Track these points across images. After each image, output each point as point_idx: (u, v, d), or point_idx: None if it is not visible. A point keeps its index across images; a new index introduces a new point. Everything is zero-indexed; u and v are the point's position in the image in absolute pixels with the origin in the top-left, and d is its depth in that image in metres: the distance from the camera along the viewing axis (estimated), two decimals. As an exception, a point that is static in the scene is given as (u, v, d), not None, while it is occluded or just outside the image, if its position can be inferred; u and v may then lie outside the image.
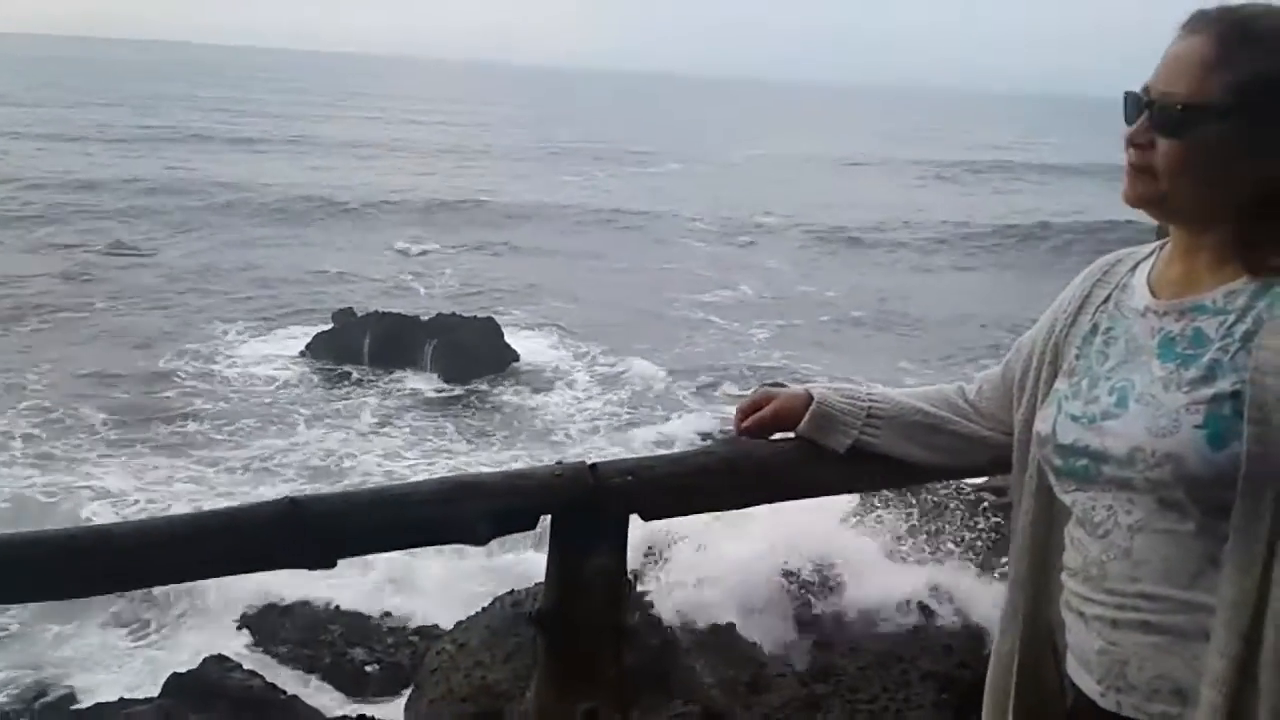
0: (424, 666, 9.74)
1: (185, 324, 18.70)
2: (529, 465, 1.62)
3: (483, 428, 14.75)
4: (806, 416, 1.80)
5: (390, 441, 14.09)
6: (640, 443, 14.35)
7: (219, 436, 13.81)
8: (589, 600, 1.54)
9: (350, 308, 17.73)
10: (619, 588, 1.57)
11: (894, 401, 1.89)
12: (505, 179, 38.96)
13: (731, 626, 9.58)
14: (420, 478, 1.56)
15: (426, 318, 17.23)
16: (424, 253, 25.92)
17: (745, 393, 1.92)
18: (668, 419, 15.69)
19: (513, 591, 10.02)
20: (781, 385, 1.84)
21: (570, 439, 14.57)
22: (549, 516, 1.54)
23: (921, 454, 1.87)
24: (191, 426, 14.04)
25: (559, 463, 1.60)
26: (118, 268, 22.63)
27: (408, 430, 14.49)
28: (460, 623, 10.14)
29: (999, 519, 8.87)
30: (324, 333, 16.93)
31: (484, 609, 10.03)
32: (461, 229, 28.09)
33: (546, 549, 1.58)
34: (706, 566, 10.36)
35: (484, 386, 16.03)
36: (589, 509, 1.52)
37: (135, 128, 48.07)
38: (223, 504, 10.96)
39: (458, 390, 15.81)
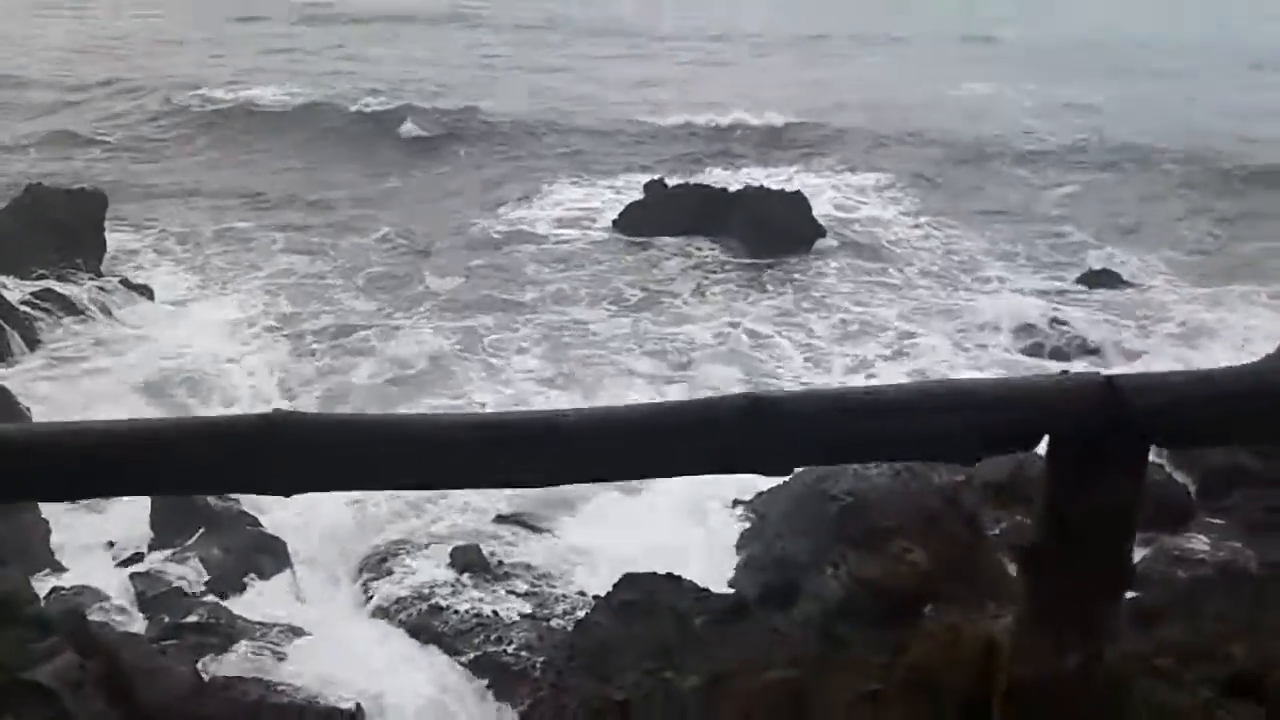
0: (726, 528, 9.87)
1: (521, 180, 19.26)
2: (1028, 375, 1.29)
3: (801, 305, 14.48)
4: None
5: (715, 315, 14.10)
6: (962, 325, 13.61)
7: (552, 305, 14.32)
8: (1091, 537, 1.27)
9: (661, 179, 17.73)
10: (1127, 525, 1.28)
11: None
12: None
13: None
14: (898, 381, 1.28)
15: (734, 189, 16.99)
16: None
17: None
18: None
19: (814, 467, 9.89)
20: None
21: (899, 328, 13.99)
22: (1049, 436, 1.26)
23: None
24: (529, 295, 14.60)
25: (1064, 372, 1.30)
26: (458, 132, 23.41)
27: (729, 305, 14.41)
28: (761, 493, 10.14)
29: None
30: (635, 204, 17.05)
31: (785, 482, 9.95)
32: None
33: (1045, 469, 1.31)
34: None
35: (793, 260, 15.69)
36: (1103, 431, 1.23)
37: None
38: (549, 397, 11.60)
39: (768, 263, 15.54)
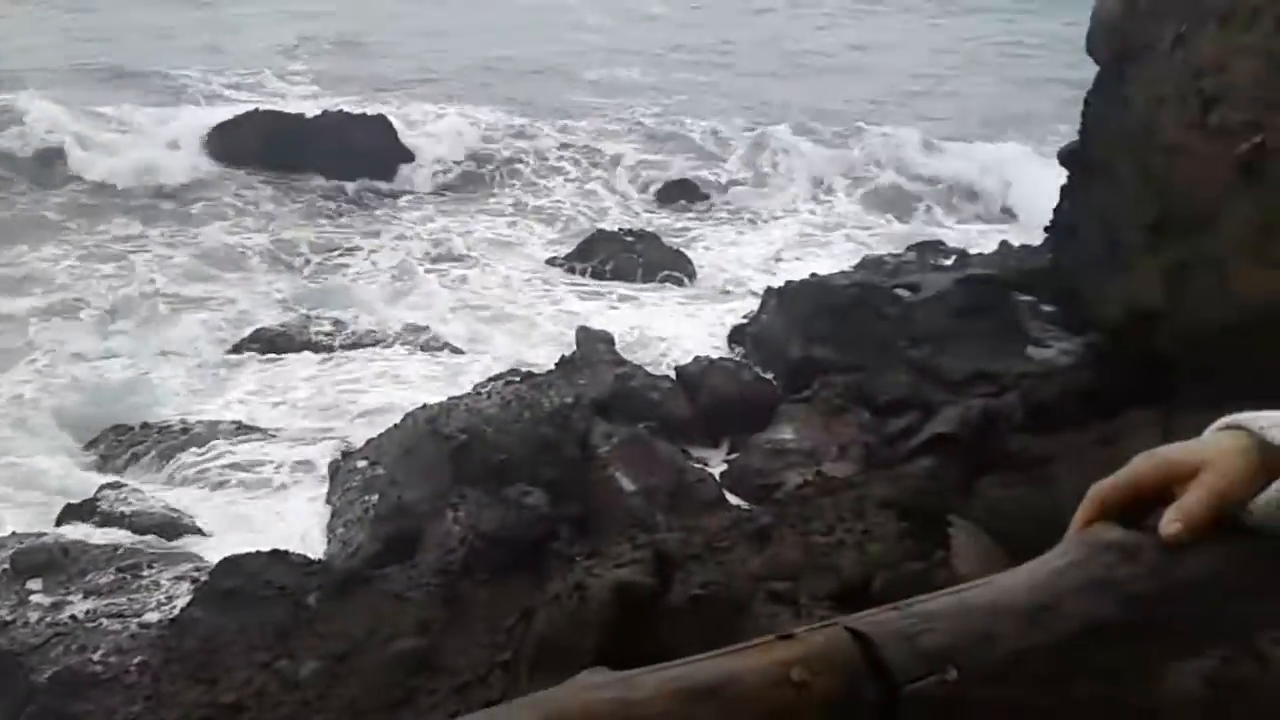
0: (337, 484, 9.00)
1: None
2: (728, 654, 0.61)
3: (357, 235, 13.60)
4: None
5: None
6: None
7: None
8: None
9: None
10: None
11: None
12: None
13: (647, 432, 8.95)
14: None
15: (313, 115, 15.58)
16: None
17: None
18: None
19: (425, 406, 9.24)
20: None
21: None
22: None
23: None
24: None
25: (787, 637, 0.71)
26: None
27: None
28: (371, 440, 9.34)
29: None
30: (216, 129, 15.29)
31: (396, 425, 9.22)
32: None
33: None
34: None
35: (378, 187, 14.70)
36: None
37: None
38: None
39: (353, 190, 14.47)
